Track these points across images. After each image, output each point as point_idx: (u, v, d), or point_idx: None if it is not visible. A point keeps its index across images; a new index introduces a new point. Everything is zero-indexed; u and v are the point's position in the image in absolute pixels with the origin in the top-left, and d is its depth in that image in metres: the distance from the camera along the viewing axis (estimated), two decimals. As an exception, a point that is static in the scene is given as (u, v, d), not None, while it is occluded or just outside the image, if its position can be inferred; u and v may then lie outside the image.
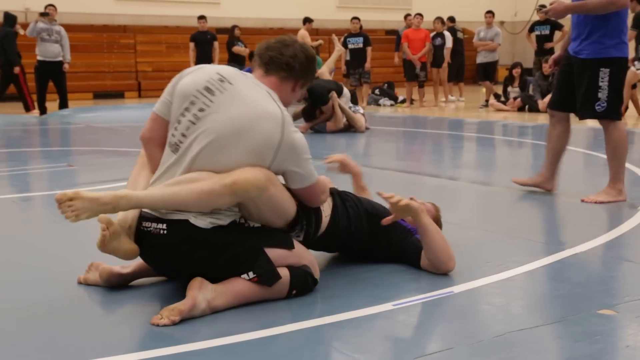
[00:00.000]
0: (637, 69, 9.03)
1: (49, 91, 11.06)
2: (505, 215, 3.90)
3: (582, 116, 4.20)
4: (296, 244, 2.46)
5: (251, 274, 2.33)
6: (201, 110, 2.35)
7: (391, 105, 12.97)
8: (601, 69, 3.92)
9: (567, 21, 13.60)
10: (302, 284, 2.41)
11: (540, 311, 2.32)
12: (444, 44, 12.46)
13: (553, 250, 2.98)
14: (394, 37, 13.93)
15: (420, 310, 2.32)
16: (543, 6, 3.84)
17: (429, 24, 12.90)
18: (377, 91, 13.33)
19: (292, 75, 2.49)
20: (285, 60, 2.47)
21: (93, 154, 6.68)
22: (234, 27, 13.93)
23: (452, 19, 13.22)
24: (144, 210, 2.36)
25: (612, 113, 4.02)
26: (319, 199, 2.54)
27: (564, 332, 2.11)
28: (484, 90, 12.87)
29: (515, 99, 11.30)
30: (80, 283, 2.60)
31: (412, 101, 12.80)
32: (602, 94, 3.95)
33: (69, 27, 11.84)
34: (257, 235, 2.38)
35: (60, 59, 10.91)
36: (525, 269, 2.75)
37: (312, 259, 2.49)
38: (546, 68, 10.82)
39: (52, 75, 10.94)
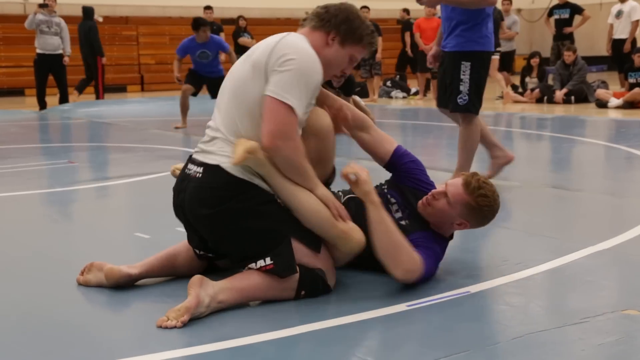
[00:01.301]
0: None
1: (49, 85, 11.10)
2: (524, 212, 3.89)
3: (451, 109, 4.26)
4: (322, 250, 2.43)
5: (268, 260, 2.32)
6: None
7: (403, 97, 12.93)
8: (462, 62, 4.02)
9: (587, 5, 13.48)
10: (312, 285, 2.40)
11: (561, 311, 2.30)
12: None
13: (574, 248, 2.97)
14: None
15: (435, 311, 2.31)
16: None
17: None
18: (388, 83, 13.29)
19: (323, 26, 2.49)
20: (321, 11, 2.53)
21: (95, 150, 6.70)
22: (239, 17, 13.93)
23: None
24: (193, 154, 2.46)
25: (471, 107, 4.14)
26: (277, 133, 2.30)
27: (586, 333, 2.09)
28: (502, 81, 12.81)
29: (532, 90, 11.24)
30: (80, 284, 2.60)
31: (425, 93, 12.76)
32: (464, 87, 4.08)
33: (69, 19, 11.88)
34: (290, 222, 2.37)
35: (60, 52, 10.95)
36: (545, 268, 2.73)
37: (330, 266, 2.47)
38: (567, 56, 10.77)
39: (51, 69, 10.97)
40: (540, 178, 4.85)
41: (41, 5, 10.95)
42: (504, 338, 2.07)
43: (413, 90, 13.10)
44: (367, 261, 2.57)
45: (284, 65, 2.33)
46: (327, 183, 2.66)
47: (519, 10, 19.17)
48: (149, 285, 2.59)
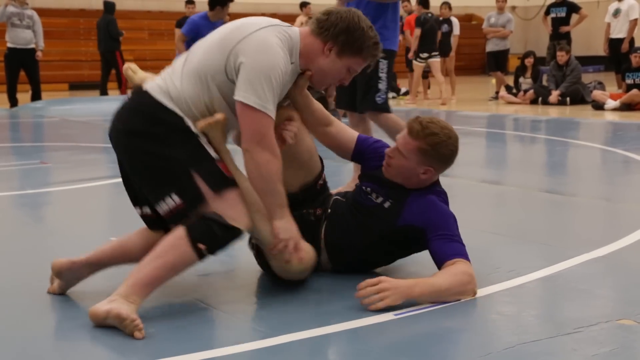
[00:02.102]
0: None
1: (20, 81, 11.03)
2: (517, 217, 3.91)
3: (362, 109, 4.35)
4: (230, 192, 2.33)
5: (176, 199, 2.31)
6: None
7: (393, 97, 12.97)
8: (381, 60, 4.08)
9: (584, 4, 13.59)
10: (207, 235, 2.27)
11: (554, 321, 2.32)
12: (451, 31, 12.45)
13: (568, 255, 2.99)
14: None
15: (424, 320, 2.31)
16: None
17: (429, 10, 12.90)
18: (377, 82, 13.31)
19: (321, 34, 2.49)
20: (322, 17, 2.53)
21: (69, 150, 6.66)
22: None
23: (424, 3, 11.87)
24: None
25: (387, 104, 4.30)
26: (253, 137, 2.33)
27: (580, 343, 2.11)
28: (494, 81, 12.90)
29: (526, 91, 11.32)
30: (50, 293, 2.57)
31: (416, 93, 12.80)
32: (382, 85, 4.20)
33: (42, 12, 11.85)
34: (196, 156, 2.34)
35: (32, 46, 10.88)
36: (538, 276, 2.75)
37: (238, 212, 2.33)
38: (560, 56, 10.86)
39: (23, 64, 10.89)
40: (534, 182, 4.88)
41: (12, -3, 10.88)
42: (495, 348, 2.08)
43: (403, 90, 13.14)
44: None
45: (243, 67, 2.35)
46: (316, 183, 2.71)
47: (513, 8, 19.30)
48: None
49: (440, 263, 2.49)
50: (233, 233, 2.33)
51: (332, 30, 2.48)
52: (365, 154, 2.79)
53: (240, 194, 2.38)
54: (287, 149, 2.56)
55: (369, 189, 2.70)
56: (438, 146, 2.55)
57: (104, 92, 12.34)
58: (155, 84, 2.45)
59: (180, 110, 2.38)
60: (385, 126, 4.33)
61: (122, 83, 12.27)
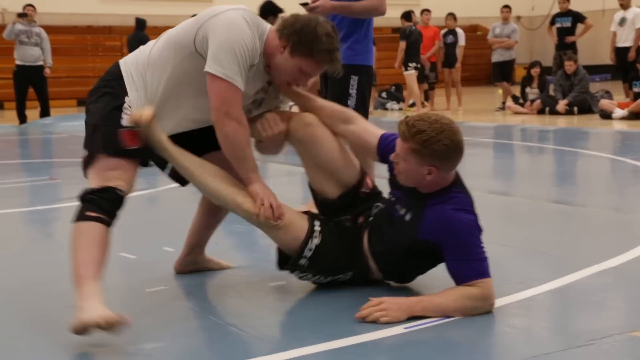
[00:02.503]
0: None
1: (29, 98, 11.09)
2: (526, 228, 3.90)
3: None
4: (124, 163, 2.60)
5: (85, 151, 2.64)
6: None
7: (399, 109, 12.99)
8: (352, 76, 4.00)
9: (590, 13, 13.59)
10: (94, 200, 2.50)
11: (565, 333, 2.31)
12: (456, 42, 12.48)
13: (579, 267, 2.97)
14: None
15: (434, 333, 2.30)
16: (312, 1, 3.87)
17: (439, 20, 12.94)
18: (384, 94, 13.35)
19: (279, 31, 2.61)
20: (286, 18, 2.67)
21: (77, 166, 6.62)
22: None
23: (407, 16, 11.94)
24: None
25: None
26: (221, 107, 2.50)
27: (593, 356, 2.10)
28: (500, 91, 12.90)
29: (533, 101, 11.31)
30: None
31: (422, 104, 12.82)
32: (351, 102, 4.04)
33: (50, 29, 11.93)
34: (106, 117, 2.58)
35: (40, 63, 10.96)
36: (549, 287, 2.74)
37: (127, 179, 2.60)
38: (568, 66, 10.85)
39: (32, 81, 10.97)
40: (543, 193, 4.87)
41: (20, 15, 10.96)
42: (506, 362, 2.07)
43: (410, 101, 13.14)
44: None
45: (210, 41, 2.51)
46: (357, 191, 2.71)
47: (518, 18, 19.33)
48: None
49: (457, 284, 2.45)
50: (118, 198, 2.55)
51: (287, 30, 2.60)
52: (388, 155, 2.60)
53: (120, 163, 2.58)
54: (310, 158, 2.68)
55: (394, 198, 2.65)
56: (428, 143, 2.38)
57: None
58: (134, 52, 2.71)
59: (133, 78, 2.59)
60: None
61: None
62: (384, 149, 2.65)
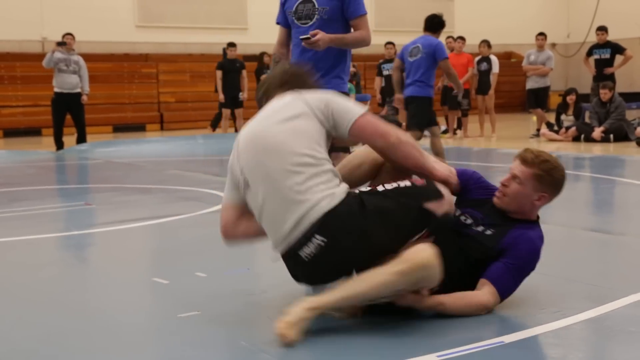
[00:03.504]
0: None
1: (66, 125, 11.30)
2: (562, 257, 3.84)
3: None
4: None
5: None
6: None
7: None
8: None
9: (626, 41, 13.47)
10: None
11: (602, 364, 2.26)
12: (490, 69, 12.45)
13: (616, 296, 2.92)
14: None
15: (468, 362, 2.28)
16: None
17: (473, 47, 12.93)
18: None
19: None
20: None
21: (112, 191, 6.78)
22: (263, 54, 14.14)
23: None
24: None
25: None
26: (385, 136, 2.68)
27: (630, 388, 2.05)
28: (534, 118, 12.80)
29: (568, 128, 11.20)
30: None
31: (455, 131, 12.77)
32: None
33: (87, 57, 12.18)
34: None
35: (78, 90, 11.16)
36: (585, 317, 2.69)
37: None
38: (603, 94, 10.74)
39: (69, 108, 11.17)
40: (579, 221, 4.80)
41: (59, 44, 11.21)
42: (541, 392, 2.03)
43: (442, 128, 13.11)
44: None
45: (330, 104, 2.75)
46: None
47: (553, 45, 19.25)
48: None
49: (484, 277, 2.72)
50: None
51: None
52: (470, 185, 2.95)
53: None
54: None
55: (468, 220, 2.84)
56: (552, 171, 2.78)
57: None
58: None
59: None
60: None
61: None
62: (466, 183, 2.95)
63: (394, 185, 2.62)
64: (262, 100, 2.94)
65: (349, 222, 2.49)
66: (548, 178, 2.77)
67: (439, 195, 2.61)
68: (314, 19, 3.90)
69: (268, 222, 2.63)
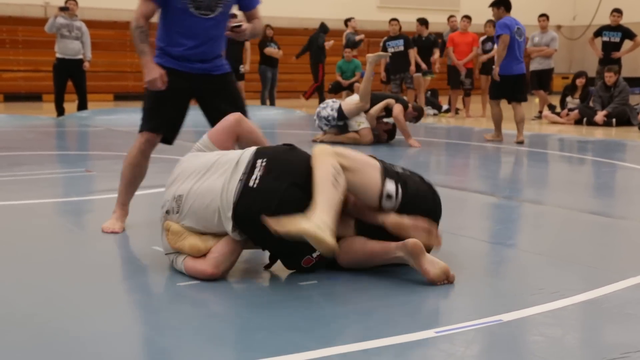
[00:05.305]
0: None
1: (67, 91, 11.25)
2: (561, 238, 3.85)
3: None
4: None
5: None
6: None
7: (434, 114, 12.92)
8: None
9: (632, 25, 13.31)
10: None
11: (598, 345, 2.28)
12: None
13: (614, 279, 2.93)
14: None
15: (465, 339, 2.29)
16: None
17: (479, 27, 12.85)
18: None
19: None
20: None
21: (113, 159, 6.76)
22: (266, 26, 14.03)
23: (423, 22, 12.53)
24: None
25: None
26: None
27: (626, 369, 2.06)
28: (537, 100, 12.76)
29: (570, 110, 11.16)
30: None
31: (457, 111, 12.74)
32: None
33: (90, 24, 12.08)
34: None
35: (80, 57, 11.10)
36: (583, 298, 2.70)
37: None
38: (608, 77, 10.70)
39: (71, 74, 11.12)
40: (579, 204, 4.80)
41: (62, 9, 11.12)
42: (537, 371, 2.05)
43: (444, 107, 13.09)
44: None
45: None
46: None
47: (558, 27, 19.12)
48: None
49: None
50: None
51: None
52: None
53: None
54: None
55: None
56: None
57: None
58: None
59: None
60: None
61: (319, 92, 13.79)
62: None
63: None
64: None
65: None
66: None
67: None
68: (217, 11, 3.77)
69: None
